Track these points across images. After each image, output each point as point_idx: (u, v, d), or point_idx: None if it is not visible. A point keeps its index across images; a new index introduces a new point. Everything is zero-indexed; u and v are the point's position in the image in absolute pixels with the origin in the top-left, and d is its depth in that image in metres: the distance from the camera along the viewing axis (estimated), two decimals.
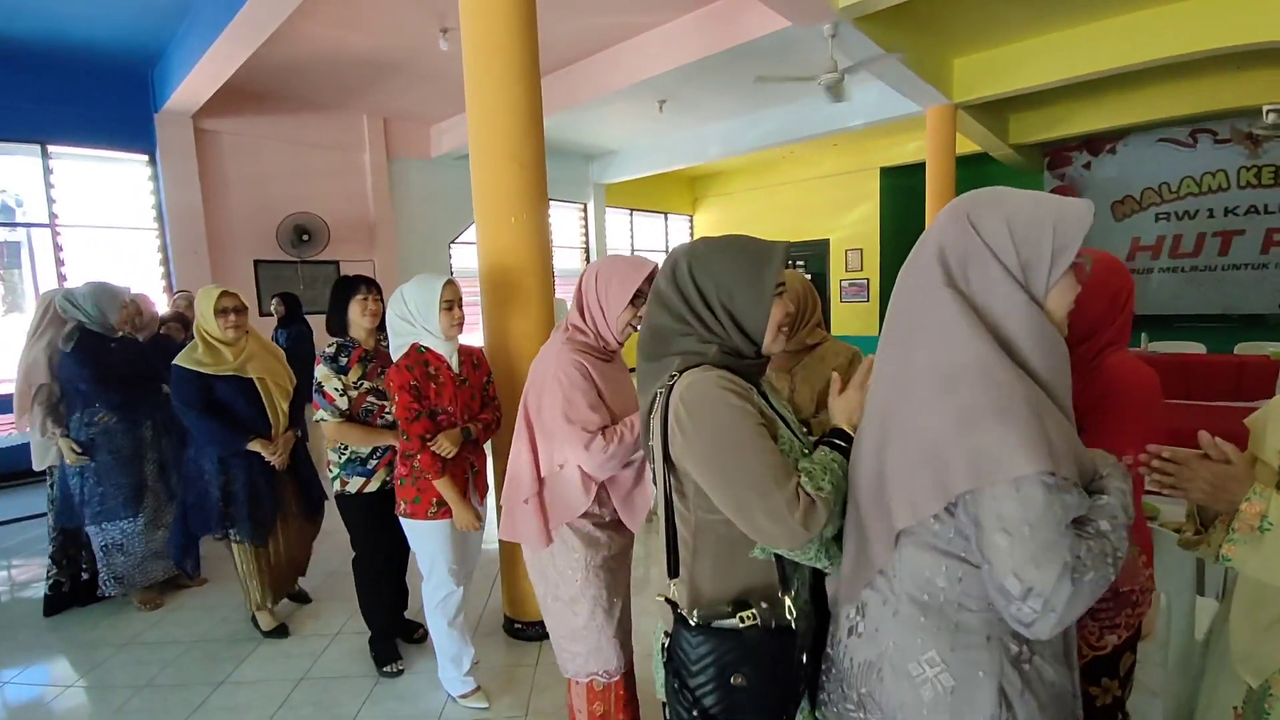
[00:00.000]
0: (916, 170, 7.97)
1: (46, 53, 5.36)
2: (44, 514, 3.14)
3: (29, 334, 3.01)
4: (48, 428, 2.91)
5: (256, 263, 6.94)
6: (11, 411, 4.64)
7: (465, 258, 9.02)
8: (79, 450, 2.87)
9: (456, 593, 2.25)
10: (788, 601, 1.04)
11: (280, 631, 2.82)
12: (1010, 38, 5.91)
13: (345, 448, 2.41)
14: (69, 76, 5.61)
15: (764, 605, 1.04)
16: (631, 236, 11.91)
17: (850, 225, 10.79)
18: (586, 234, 10.81)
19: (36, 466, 3.04)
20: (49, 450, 2.97)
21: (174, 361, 2.60)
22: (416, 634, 2.74)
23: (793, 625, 1.04)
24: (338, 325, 2.45)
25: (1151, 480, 1.08)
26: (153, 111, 6.06)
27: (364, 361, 2.40)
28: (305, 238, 7.07)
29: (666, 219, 12.57)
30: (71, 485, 2.93)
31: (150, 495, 3.05)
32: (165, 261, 6.38)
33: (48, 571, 3.08)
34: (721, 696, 1.01)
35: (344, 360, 2.36)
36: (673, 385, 1.07)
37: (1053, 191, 10.09)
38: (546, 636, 2.65)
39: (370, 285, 2.44)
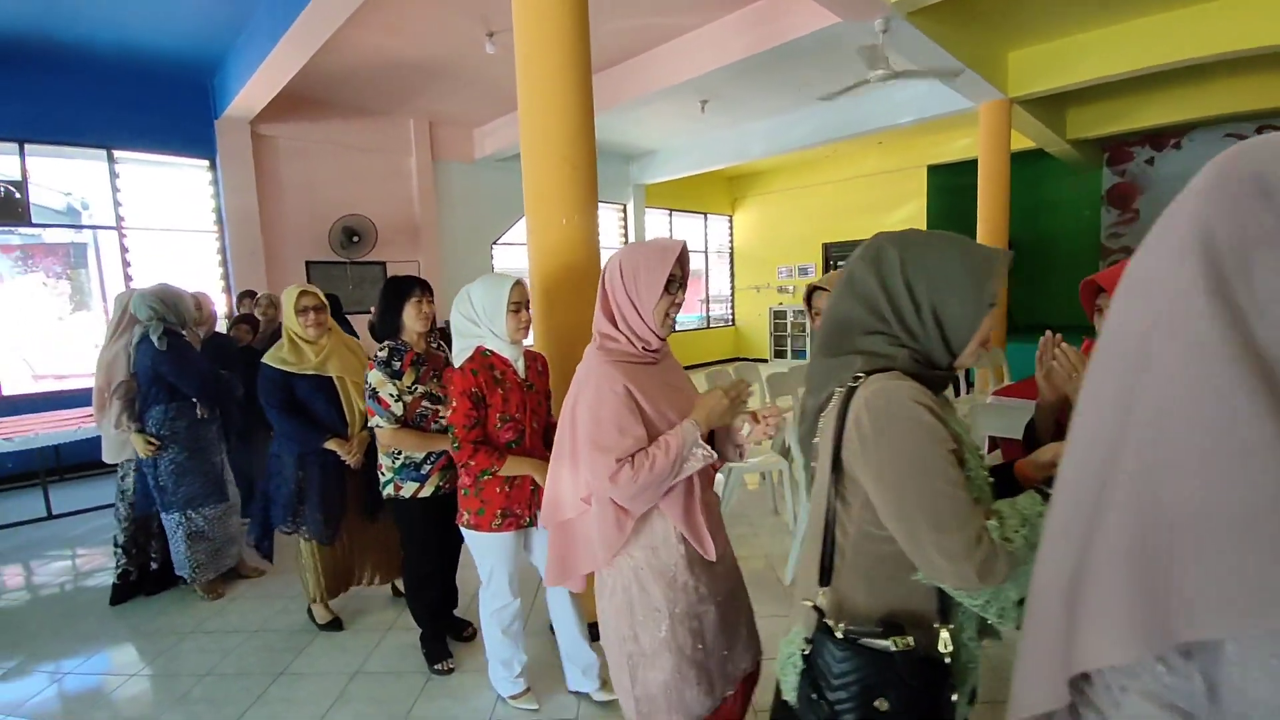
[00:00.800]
0: (967, 168, 7.75)
1: (113, 62, 5.61)
2: (110, 505, 3.29)
3: (109, 332, 3.16)
4: (123, 422, 3.03)
5: (308, 264, 7.15)
6: (80, 406, 4.93)
7: (506, 258, 9.13)
8: (155, 444, 3.01)
9: (514, 604, 2.22)
10: (944, 634, 0.97)
11: (335, 625, 2.89)
12: (1068, 30, 5.69)
13: (399, 453, 2.39)
14: (134, 85, 5.87)
15: (917, 631, 0.96)
16: (670, 237, 11.85)
17: (895, 224, 10.52)
18: (626, 234, 10.82)
19: (110, 460, 3.18)
20: (124, 445, 3.10)
21: (262, 359, 2.68)
22: (466, 632, 2.76)
23: (945, 659, 0.95)
24: (390, 328, 2.40)
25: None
26: (213, 118, 6.30)
27: (416, 365, 2.37)
28: (355, 239, 7.26)
29: (706, 219, 12.50)
30: (151, 476, 3.05)
31: (226, 483, 3.27)
32: (224, 263, 6.63)
33: (116, 561, 3.21)
34: (862, 716, 0.96)
35: (397, 364, 2.33)
36: (855, 387, 0.98)
37: (1111, 190, 9.77)
38: (596, 638, 2.67)
39: (424, 287, 2.42)
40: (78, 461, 5.33)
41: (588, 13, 2.61)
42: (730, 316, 13.13)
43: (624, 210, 10.76)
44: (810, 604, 1.03)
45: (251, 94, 5.60)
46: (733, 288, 13.12)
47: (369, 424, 2.37)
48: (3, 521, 4.48)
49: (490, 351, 2.06)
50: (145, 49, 5.43)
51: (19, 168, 5.52)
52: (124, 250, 6.11)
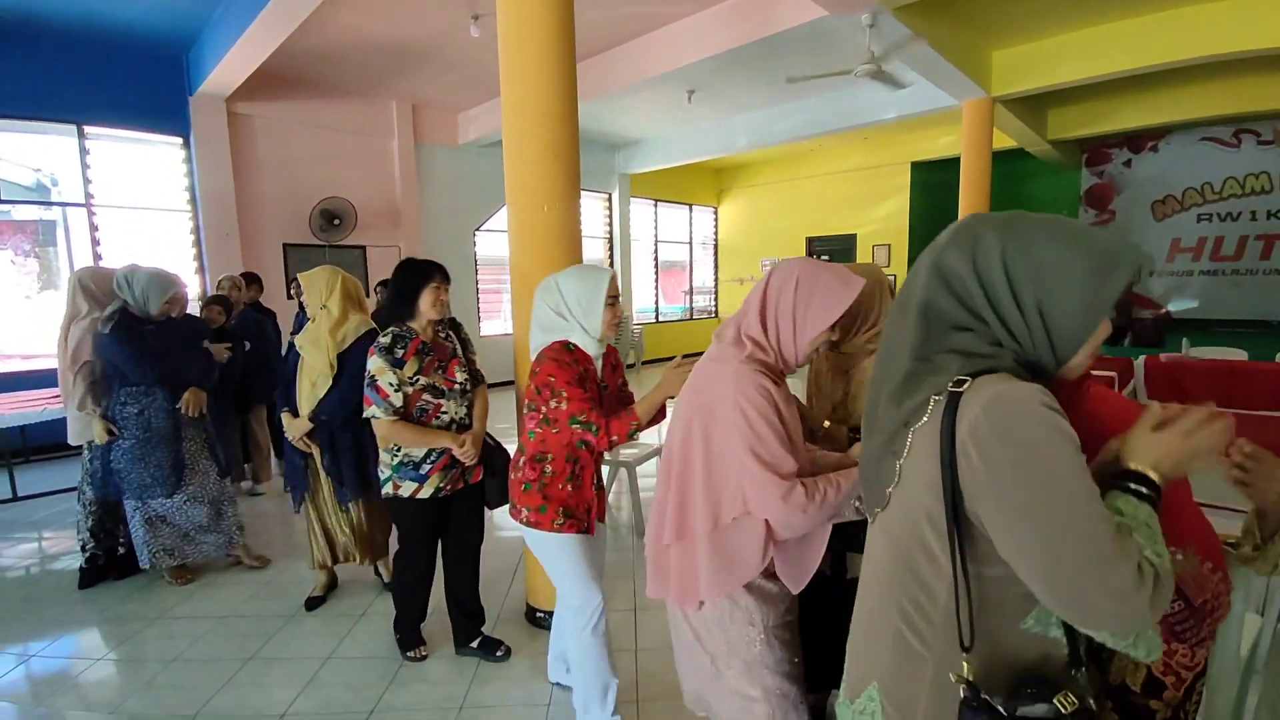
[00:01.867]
0: (950, 165, 7.82)
1: (83, 35, 5.44)
2: (75, 488, 3.22)
3: (67, 313, 3.07)
4: (87, 404, 2.97)
5: (286, 246, 7.03)
6: (46, 386, 4.82)
7: (489, 245, 9.05)
8: (112, 431, 2.93)
9: (598, 602, 1.99)
10: (1080, 679, 0.85)
11: (314, 603, 2.94)
12: (1051, 31, 5.74)
13: (398, 449, 2.26)
14: (105, 59, 5.69)
15: (1055, 685, 0.82)
16: (656, 227, 11.86)
17: (879, 220, 10.64)
18: (610, 224, 10.78)
19: (73, 441, 3.10)
20: (87, 426, 3.02)
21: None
22: (499, 652, 2.51)
23: (1092, 707, 0.82)
24: (402, 313, 2.25)
25: (1227, 476, 0.98)
26: (187, 95, 6.14)
27: (420, 355, 2.23)
28: (336, 222, 7.15)
29: (691, 210, 12.49)
30: (106, 460, 2.99)
31: (192, 473, 3.09)
32: (198, 244, 6.48)
33: (83, 545, 3.15)
34: None
35: (399, 352, 2.19)
36: (959, 393, 0.81)
37: (1089, 191, 9.92)
38: None
39: (444, 274, 2.27)
40: (43, 443, 5.21)
41: None
42: (714, 308, 13.17)
43: (609, 200, 10.70)
44: (958, 679, 0.84)
45: (228, 70, 5.46)
46: (716, 279, 13.15)
47: (365, 414, 2.22)
48: None
49: (574, 346, 1.89)
50: (117, 21, 5.27)
51: None
52: (94, 229, 5.95)
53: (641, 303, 11.69)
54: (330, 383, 2.66)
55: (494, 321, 9.28)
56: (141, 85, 5.92)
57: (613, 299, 1.89)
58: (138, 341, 2.90)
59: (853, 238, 10.91)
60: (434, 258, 2.38)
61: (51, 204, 6.04)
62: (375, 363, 2.17)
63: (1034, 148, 8.62)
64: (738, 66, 6.21)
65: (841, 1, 4.25)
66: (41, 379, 5.33)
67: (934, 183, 10.09)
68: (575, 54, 2.61)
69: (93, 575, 3.15)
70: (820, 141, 9.54)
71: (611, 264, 10.87)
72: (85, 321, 3.00)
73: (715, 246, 13.10)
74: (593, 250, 10.52)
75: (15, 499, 4.44)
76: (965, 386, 0.82)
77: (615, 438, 1.81)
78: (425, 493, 2.27)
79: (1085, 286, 0.83)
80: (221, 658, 2.55)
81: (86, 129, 5.81)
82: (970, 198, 6.58)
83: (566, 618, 2.03)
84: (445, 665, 2.47)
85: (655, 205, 11.74)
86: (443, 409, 2.27)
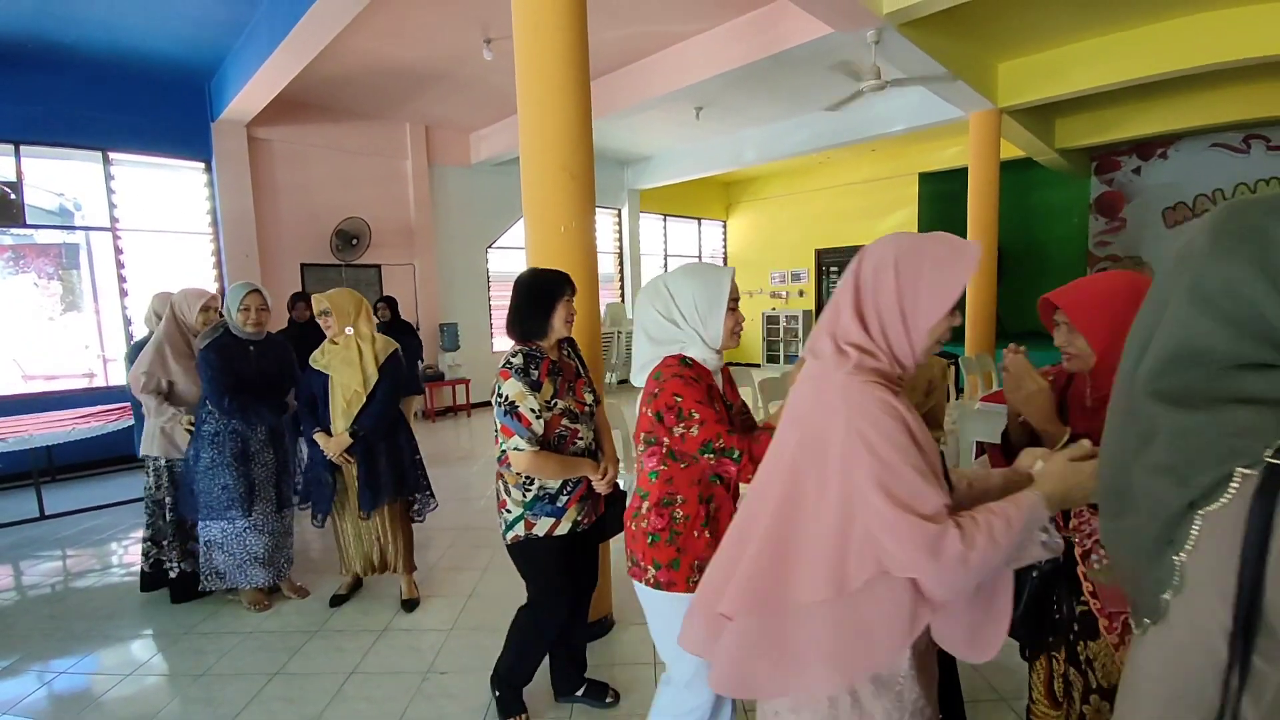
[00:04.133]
0: (957, 175, 7.86)
1: (110, 63, 5.62)
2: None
3: (148, 327, 3.22)
4: (165, 411, 3.02)
5: (303, 266, 7.16)
6: (71, 407, 4.95)
7: (500, 261, 9.16)
8: (190, 429, 2.99)
9: (710, 699, 1.60)
10: None
11: (337, 600, 3.10)
12: (1057, 41, 5.79)
13: (532, 482, 1.99)
14: (131, 87, 5.87)
15: None
16: (665, 242, 11.94)
17: (887, 231, 10.60)
18: (620, 239, 10.87)
19: (148, 453, 3.13)
20: (152, 438, 3.08)
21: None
22: (608, 698, 2.30)
23: None
24: (534, 330, 2.00)
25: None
26: (209, 121, 6.31)
27: (553, 376, 1.98)
28: (354, 242, 7.29)
29: (700, 224, 12.57)
30: (184, 475, 3.01)
31: (259, 501, 3.03)
32: (219, 265, 6.62)
33: (145, 552, 3.18)
34: None
35: (535, 374, 1.93)
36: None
37: (1099, 199, 9.89)
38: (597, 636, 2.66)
39: (573, 284, 2.06)
40: (69, 462, 5.31)
41: (586, 23, 2.66)
42: None
43: (618, 215, 10.81)
44: None
45: (249, 97, 5.62)
46: None
47: (504, 445, 1.92)
48: None
49: (691, 360, 1.58)
50: (142, 51, 5.44)
51: (14, 168, 5.51)
52: (118, 251, 6.10)
53: None
54: (364, 399, 2.80)
55: (505, 338, 9.32)
56: (166, 112, 6.10)
57: (734, 302, 1.61)
58: (225, 364, 2.89)
59: (861, 249, 10.93)
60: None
61: (76, 228, 6.20)
62: (513, 387, 1.89)
63: (1042, 157, 8.64)
64: (745, 83, 6.29)
65: (847, 18, 4.32)
66: (65, 400, 5.47)
67: (942, 193, 10.12)
68: (590, 76, 2.68)
69: (153, 581, 3.20)
70: (828, 154, 9.61)
71: (621, 279, 10.95)
72: (159, 335, 3.07)
73: (724, 259, 13.16)
74: (603, 266, 10.61)
75: (42, 517, 4.52)
76: None
77: (759, 462, 1.42)
78: (563, 528, 2.02)
79: None
80: (248, 672, 2.59)
81: (112, 154, 5.98)
82: (979, 208, 6.60)
83: (674, 699, 1.64)
84: (464, 678, 2.50)
85: (664, 220, 11.83)
86: (579, 434, 2.04)
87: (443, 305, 8.32)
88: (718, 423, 1.48)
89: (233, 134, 6.40)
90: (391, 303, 6.02)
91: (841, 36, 4.56)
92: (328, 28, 4.33)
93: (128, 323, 6.15)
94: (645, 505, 1.61)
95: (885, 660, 1.02)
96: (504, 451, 1.94)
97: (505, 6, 2.70)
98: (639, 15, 5.16)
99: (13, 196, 5.53)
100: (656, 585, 1.57)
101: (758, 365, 11.88)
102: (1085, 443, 1.05)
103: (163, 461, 3.09)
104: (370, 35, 5.18)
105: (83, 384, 6.09)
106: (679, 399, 1.50)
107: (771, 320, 11.93)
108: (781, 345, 11.82)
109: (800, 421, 1.08)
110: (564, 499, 2.01)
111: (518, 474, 1.98)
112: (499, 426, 1.94)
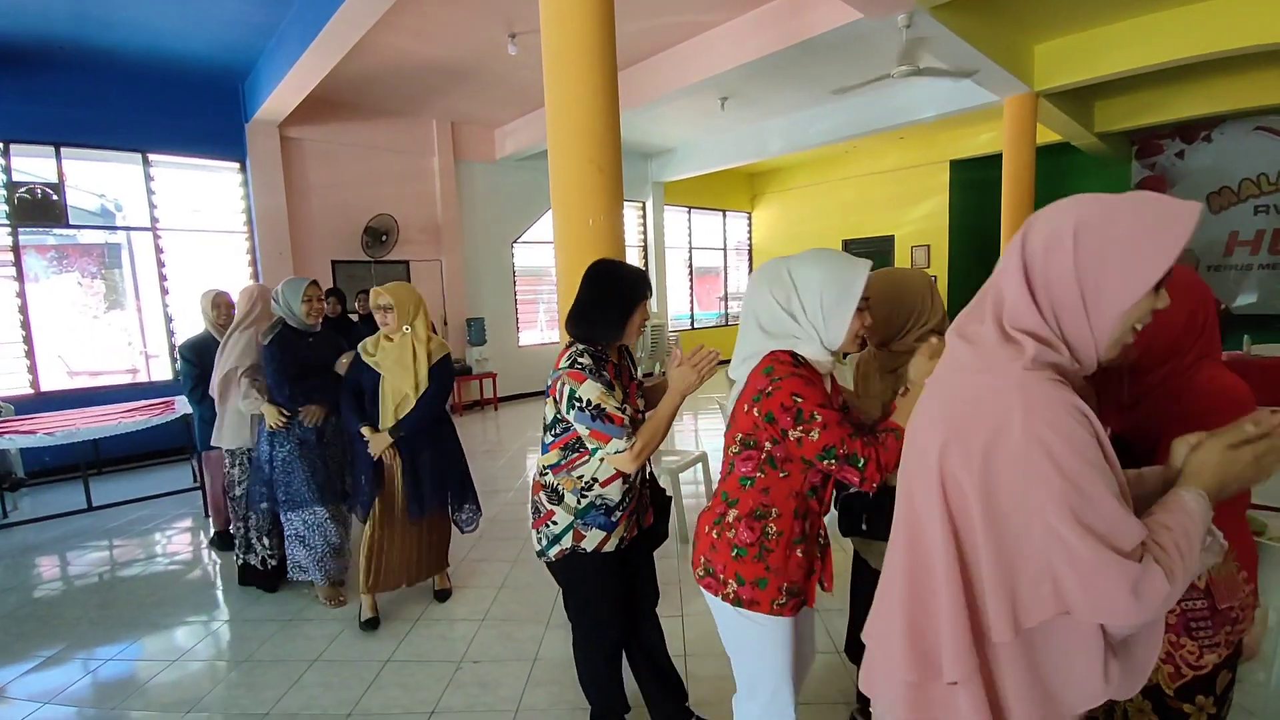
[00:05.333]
0: (991, 162, 7.67)
1: (148, 66, 5.76)
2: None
3: (236, 321, 3.24)
4: (252, 395, 3.08)
5: (334, 263, 7.29)
6: (115, 401, 5.12)
7: (526, 256, 9.21)
8: (286, 416, 2.99)
9: (793, 701, 1.52)
10: None
11: (370, 624, 2.87)
12: (1095, 21, 5.60)
13: (589, 487, 1.84)
14: (168, 89, 6.02)
15: None
16: (689, 234, 11.89)
17: (917, 220, 10.47)
18: (645, 232, 10.85)
19: (223, 444, 3.24)
20: (236, 431, 3.18)
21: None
22: None
23: None
24: (609, 332, 1.83)
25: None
26: (244, 121, 6.44)
27: (619, 379, 1.84)
28: (384, 239, 7.40)
29: (724, 216, 12.48)
30: (264, 466, 3.06)
31: (334, 492, 3.11)
32: (254, 263, 6.77)
33: (237, 543, 3.27)
34: None
35: (605, 375, 1.77)
36: None
37: (1141, 184, 9.61)
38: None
39: (651, 286, 1.91)
40: (115, 455, 5.50)
41: (614, 15, 2.65)
42: None
43: (643, 208, 10.79)
44: None
45: (281, 98, 5.72)
46: None
47: (596, 451, 1.79)
48: (45, 513, 4.65)
49: (803, 360, 1.42)
50: (178, 54, 5.57)
51: (55, 170, 5.70)
52: (159, 251, 6.27)
53: (676, 309, 11.73)
54: (413, 403, 2.74)
55: (531, 331, 9.44)
56: (202, 114, 6.24)
57: (865, 301, 1.40)
58: (288, 356, 2.95)
59: (890, 239, 10.76)
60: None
61: (118, 228, 6.39)
62: (593, 389, 1.72)
63: (1080, 141, 8.39)
64: (770, 72, 6.21)
65: (877, 4, 4.23)
66: (110, 395, 5.65)
67: (974, 181, 9.89)
68: (617, 69, 2.67)
69: (251, 575, 3.27)
70: (855, 143, 9.45)
71: (646, 271, 10.92)
72: (251, 329, 3.18)
73: (750, 252, 13.06)
74: (628, 258, 10.59)
75: (90, 509, 4.69)
76: None
77: (886, 468, 1.32)
78: (612, 544, 1.88)
79: None
80: (287, 659, 2.66)
81: (151, 156, 6.14)
82: (1014, 195, 6.43)
83: (760, 717, 1.55)
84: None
85: (689, 212, 11.77)
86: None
87: (469, 300, 8.41)
88: (840, 426, 1.33)
89: (266, 134, 6.53)
90: (340, 295, 5.73)
91: (870, 22, 4.46)
92: (356, 26, 4.38)
93: (169, 320, 6.34)
94: (733, 514, 1.46)
95: (1085, 705, 0.86)
96: (556, 463, 1.83)
97: (530, 1, 2.70)
98: (664, 6, 5.12)
99: (55, 198, 5.72)
100: (737, 602, 1.44)
101: None
102: (1248, 424, 0.86)
103: (248, 454, 3.19)
104: (397, 33, 5.23)
105: (126, 379, 6.29)
106: (799, 400, 1.34)
107: None
108: None
109: (949, 422, 0.89)
110: (619, 513, 1.87)
111: (586, 480, 1.84)
112: (569, 434, 1.80)
